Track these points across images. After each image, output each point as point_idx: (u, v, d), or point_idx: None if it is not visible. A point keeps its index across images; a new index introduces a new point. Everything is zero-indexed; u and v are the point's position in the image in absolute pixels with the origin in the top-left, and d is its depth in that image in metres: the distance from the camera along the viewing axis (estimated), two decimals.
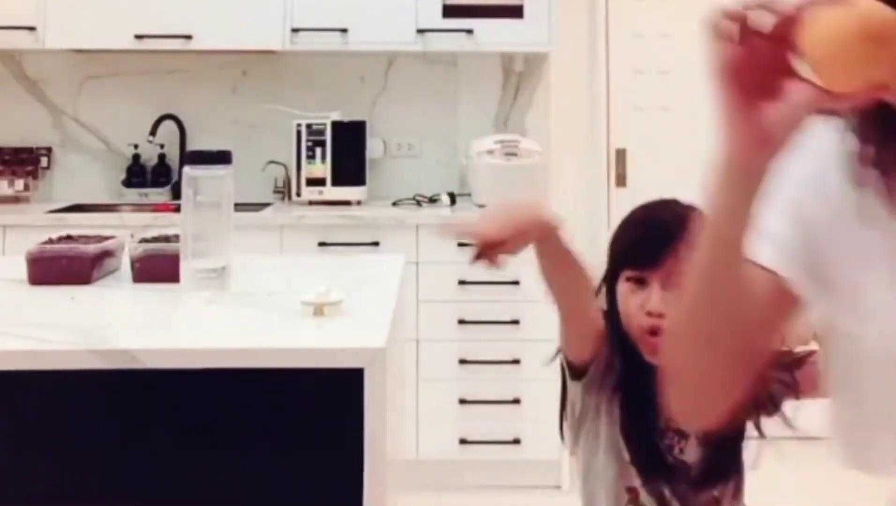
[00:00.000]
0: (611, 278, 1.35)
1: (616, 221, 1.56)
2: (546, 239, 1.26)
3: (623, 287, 1.32)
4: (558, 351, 1.40)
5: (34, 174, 3.60)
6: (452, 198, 3.44)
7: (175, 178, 3.59)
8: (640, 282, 1.30)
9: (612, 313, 1.34)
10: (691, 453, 1.33)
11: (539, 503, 3.11)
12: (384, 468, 1.25)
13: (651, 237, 1.30)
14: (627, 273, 1.31)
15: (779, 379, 1.31)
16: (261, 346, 1.29)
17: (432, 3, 3.38)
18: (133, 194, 3.59)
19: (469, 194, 3.46)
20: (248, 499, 1.25)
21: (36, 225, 3.04)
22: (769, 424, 1.40)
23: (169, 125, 3.60)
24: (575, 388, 1.37)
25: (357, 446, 1.23)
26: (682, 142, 3.60)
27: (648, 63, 3.70)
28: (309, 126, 3.43)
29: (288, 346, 1.29)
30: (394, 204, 3.47)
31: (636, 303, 1.29)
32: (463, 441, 3.12)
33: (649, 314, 1.28)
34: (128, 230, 2.02)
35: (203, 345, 1.30)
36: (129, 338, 1.34)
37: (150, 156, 3.64)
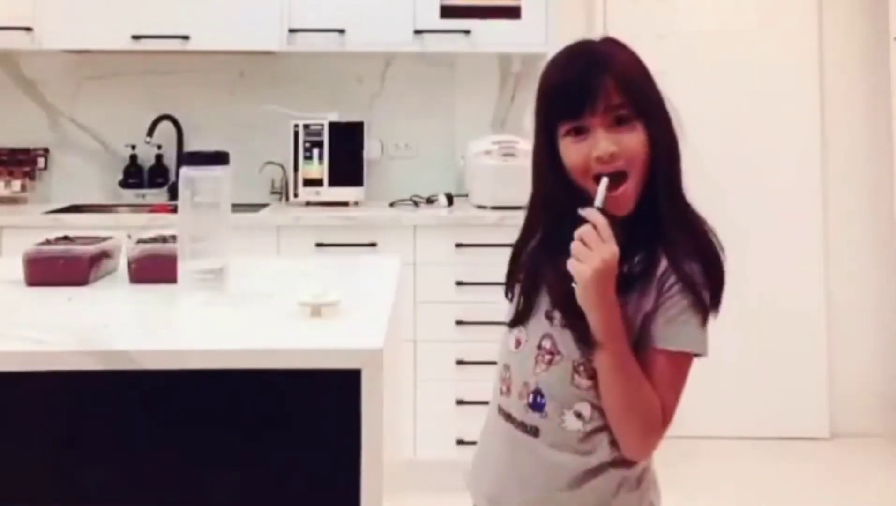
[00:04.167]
0: (546, 133, 1.29)
1: None
2: None
3: (564, 141, 1.26)
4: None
5: (31, 175, 3.60)
6: (450, 199, 3.44)
7: (172, 178, 3.59)
8: (580, 131, 1.25)
9: (553, 169, 1.29)
10: None
11: None
12: (381, 469, 1.25)
13: (578, 83, 1.24)
14: (565, 126, 1.26)
15: None
16: (258, 347, 1.29)
17: (430, 3, 3.38)
18: (130, 195, 3.59)
19: (466, 195, 3.46)
20: (245, 500, 1.25)
21: (33, 226, 3.04)
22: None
23: (166, 126, 3.60)
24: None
25: (354, 446, 1.23)
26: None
27: (645, 64, 3.70)
28: (306, 127, 3.43)
29: (285, 347, 1.29)
30: (391, 205, 3.47)
31: (582, 153, 1.25)
32: (460, 442, 3.12)
33: (599, 160, 1.23)
34: (125, 231, 2.02)
35: (200, 346, 1.30)
36: (127, 339, 1.34)
37: (147, 157, 3.64)
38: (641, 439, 1.26)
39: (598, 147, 1.23)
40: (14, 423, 1.25)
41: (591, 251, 1.19)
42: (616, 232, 1.21)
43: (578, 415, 1.27)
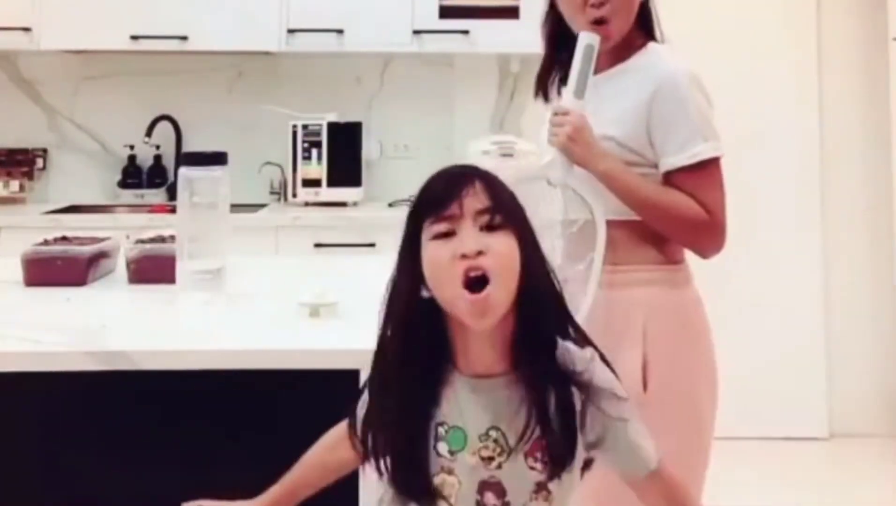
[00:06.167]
0: (410, 249, 1.12)
1: None
2: None
3: (430, 247, 1.09)
4: None
5: (30, 175, 3.60)
6: None
7: (171, 179, 3.59)
8: (448, 235, 1.07)
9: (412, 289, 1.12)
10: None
11: None
12: None
13: (447, 184, 1.12)
14: (433, 229, 1.09)
15: None
16: (257, 347, 1.29)
17: (428, 4, 3.38)
18: (129, 195, 3.59)
19: None
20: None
21: (31, 226, 3.04)
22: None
23: (165, 126, 3.59)
24: None
25: None
26: None
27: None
28: (305, 127, 3.43)
29: (284, 347, 1.29)
30: (390, 205, 3.47)
31: (447, 254, 1.07)
32: None
33: (464, 257, 1.05)
34: (123, 231, 2.02)
35: (199, 346, 1.30)
36: (125, 339, 1.34)
37: (145, 157, 3.63)
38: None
39: (465, 243, 1.06)
40: (11, 424, 1.25)
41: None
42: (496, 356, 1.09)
43: None
